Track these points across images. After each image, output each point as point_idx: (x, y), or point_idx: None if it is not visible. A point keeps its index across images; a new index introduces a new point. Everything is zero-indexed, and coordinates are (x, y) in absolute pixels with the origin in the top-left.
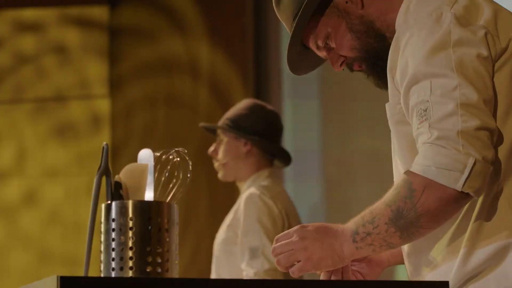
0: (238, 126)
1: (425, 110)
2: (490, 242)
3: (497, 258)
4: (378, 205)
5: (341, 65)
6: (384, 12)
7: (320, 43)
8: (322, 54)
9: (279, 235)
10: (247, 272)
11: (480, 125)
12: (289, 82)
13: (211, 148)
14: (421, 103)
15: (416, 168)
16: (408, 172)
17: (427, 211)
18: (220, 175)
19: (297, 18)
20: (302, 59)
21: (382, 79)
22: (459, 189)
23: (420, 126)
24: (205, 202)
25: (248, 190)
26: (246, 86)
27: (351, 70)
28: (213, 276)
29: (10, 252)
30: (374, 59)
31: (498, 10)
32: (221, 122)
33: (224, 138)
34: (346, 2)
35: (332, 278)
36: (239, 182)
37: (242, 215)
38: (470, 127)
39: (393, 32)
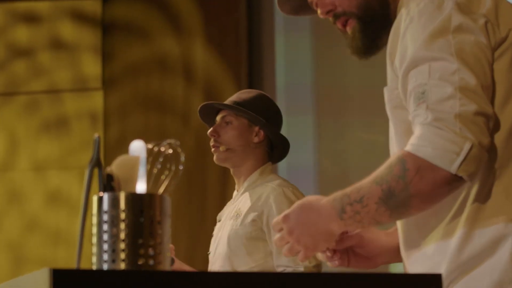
0: (255, 113)
1: (423, 93)
2: (485, 232)
3: (491, 249)
4: (367, 183)
5: (327, 13)
6: None
7: None
8: None
9: (275, 238)
10: (293, 269)
11: (477, 110)
12: (283, 79)
13: (209, 131)
14: (419, 86)
15: (411, 148)
16: (402, 151)
17: (419, 192)
18: (220, 158)
19: None
20: None
21: (367, 44)
22: (454, 172)
23: (417, 108)
24: (198, 197)
25: (271, 185)
26: (238, 80)
27: (334, 22)
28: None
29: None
30: (369, 19)
31: (499, 0)
32: (230, 103)
33: (233, 121)
34: None
35: (337, 262)
36: (239, 171)
37: (276, 211)
38: (468, 111)
39: (395, 7)
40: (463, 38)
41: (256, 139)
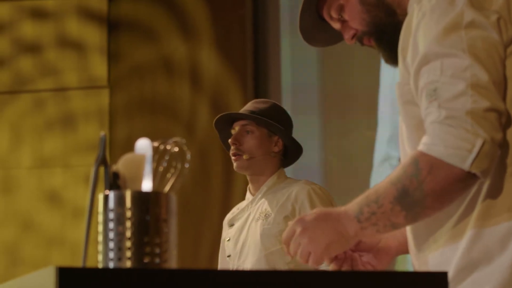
0: (278, 123)
1: (435, 90)
2: (495, 229)
3: (503, 244)
4: (383, 184)
5: (352, 38)
6: None
7: (333, 14)
8: (336, 25)
9: (284, 237)
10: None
11: (489, 106)
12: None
13: (231, 140)
14: (431, 83)
15: (423, 147)
16: (415, 151)
17: (433, 190)
18: (242, 166)
19: None
20: (319, 30)
21: (391, 54)
22: (467, 169)
23: (429, 106)
24: (203, 197)
25: (298, 184)
26: (244, 81)
27: (361, 43)
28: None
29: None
30: (381, 33)
31: None
32: (248, 113)
33: (255, 131)
34: None
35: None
36: (257, 178)
37: (309, 206)
38: (480, 108)
39: (404, 9)
40: (476, 34)
41: (275, 149)
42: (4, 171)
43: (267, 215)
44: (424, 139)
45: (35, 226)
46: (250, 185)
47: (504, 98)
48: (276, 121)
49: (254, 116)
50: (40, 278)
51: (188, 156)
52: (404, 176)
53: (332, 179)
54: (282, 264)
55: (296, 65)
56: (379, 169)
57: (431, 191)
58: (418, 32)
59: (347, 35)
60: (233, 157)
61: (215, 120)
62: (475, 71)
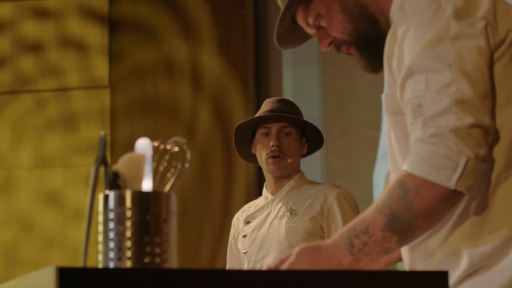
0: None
1: (419, 106)
2: (494, 235)
3: (502, 250)
4: (370, 212)
5: (329, 45)
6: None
7: (310, 21)
8: (310, 31)
9: (273, 266)
10: None
11: (473, 122)
12: (290, 78)
13: (274, 142)
14: (416, 98)
15: (408, 167)
16: (401, 172)
17: (422, 210)
18: (283, 167)
19: None
20: (289, 33)
21: (371, 62)
22: (452, 187)
23: (414, 122)
24: (203, 196)
25: (325, 187)
26: (245, 82)
27: (338, 51)
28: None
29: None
30: (364, 43)
31: (497, 1)
32: (286, 112)
33: (293, 133)
34: None
35: None
36: (284, 178)
37: (338, 211)
38: (464, 125)
39: (387, 17)
40: (462, 45)
41: (304, 151)
42: (5, 171)
43: (292, 214)
44: (409, 158)
45: (35, 226)
46: (270, 185)
47: (492, 109)
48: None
49: (303, 120)
50: (40, 278)
51: (188, 156)
52: (391, 201)
53: (333, 179)
54: None
55: (297, 65)
56: (381, 161)
57: (420, 211)
58: (404, 42)
59: (324, 42)
60: (272, 159)
61: (251, 120)
62: (460, 86)
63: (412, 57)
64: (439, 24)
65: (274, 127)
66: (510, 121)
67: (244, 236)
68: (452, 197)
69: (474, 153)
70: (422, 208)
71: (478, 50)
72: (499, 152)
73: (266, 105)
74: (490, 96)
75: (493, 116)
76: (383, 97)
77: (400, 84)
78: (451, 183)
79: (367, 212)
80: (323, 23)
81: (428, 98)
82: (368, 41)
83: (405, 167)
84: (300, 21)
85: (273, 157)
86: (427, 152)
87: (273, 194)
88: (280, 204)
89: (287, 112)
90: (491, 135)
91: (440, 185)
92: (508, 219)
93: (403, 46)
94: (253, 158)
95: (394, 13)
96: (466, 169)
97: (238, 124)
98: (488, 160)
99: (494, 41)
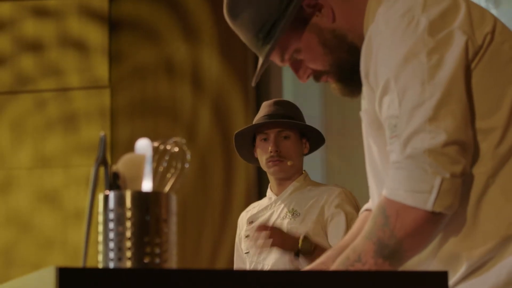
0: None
1: (395, 126)
2: (487, 239)
3: (496, 253)
4: (360, 240)
5: (308, 76)
6: (353, 20)
7: (287, 57)
8: (282, 64)
9: None
10: None
11: (447, 140)
12: (290, 79)
13: (272, 148)
14: (391, 117)
15: (386, 192)
16: (381, 198)
17: (406, 234)
18: (284, 170)
19: (272, 40)
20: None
21: (351, 88)
22: (430, 210)
23: (391, 142)
24: (203, 197)
25: (328, 188)
26: (245, 82)
27: (317, 81)
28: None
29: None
30: (344, 72)
31: (471, 7)
32: (283, 115)
33: (291, 136)
34: (317, 16)
35: None
36: (287, 179)
37: (340, 210)
38: (438, 144)
39: (363, 38)
40: (437, 60)
41: (305, 150)
42: (4, 171)
43: (294, 215)
44: (387, 183)
45: (35, 226)
46: (274, 186)
47: (474, 119)
48: (302, 122)
49: (299, 123)
50: (40, 278)
51: (188, 156)
52: (375, 228)
53: (333, 179)
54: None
55: None
56: None
57: (404, 236)
58: (379, 57)
59: (303, 75)
60: (272, 162)
61: (249, 127)
62: (434, 103)
63: (387, 74)
64: (413, 38)
65: (272, 133)
66: (496, 127)
67: (247, 236)
68: (432, 218)
69: (449, 172)
70: (405, 233)
71: (454, 63)
72: (486, 156)
73: (263, 109)
74: (468, 108)
75: (478, 123)
76: (363, 115)
77: (378, 101)
78: (428, 206)
79: (357, 241)
80: (300, 57)
81: (403, 117)
82: (349, 70)
83: (384, 192)
84: (274, 57)
85: (273, 161)
86: (402, 176)
87: (276, 195)
88: (283, 205)
89: (284, 115)
90: (470, 148)
91: (419, 208)
92: (499, 222)
93: (377, 61)
94: (256, 160)
95: (367, 26)
96: (441, 190)
97: (236, 132)
98: (468, 174)
99: (473, 49)
